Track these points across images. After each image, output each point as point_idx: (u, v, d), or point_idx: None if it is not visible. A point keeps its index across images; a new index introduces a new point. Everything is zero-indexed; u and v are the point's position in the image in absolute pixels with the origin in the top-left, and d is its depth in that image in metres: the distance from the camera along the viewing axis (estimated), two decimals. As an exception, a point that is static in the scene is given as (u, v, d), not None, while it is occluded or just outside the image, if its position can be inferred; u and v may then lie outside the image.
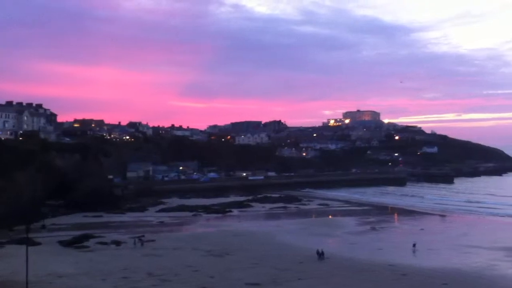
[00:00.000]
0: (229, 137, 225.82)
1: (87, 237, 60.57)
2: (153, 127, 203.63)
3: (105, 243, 58.20)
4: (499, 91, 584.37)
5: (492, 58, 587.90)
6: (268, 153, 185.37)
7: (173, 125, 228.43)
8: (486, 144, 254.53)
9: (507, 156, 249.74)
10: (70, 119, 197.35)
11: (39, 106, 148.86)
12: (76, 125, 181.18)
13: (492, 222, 79.67)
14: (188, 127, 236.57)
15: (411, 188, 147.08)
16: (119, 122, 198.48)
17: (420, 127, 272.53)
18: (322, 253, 49.53)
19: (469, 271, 44.07)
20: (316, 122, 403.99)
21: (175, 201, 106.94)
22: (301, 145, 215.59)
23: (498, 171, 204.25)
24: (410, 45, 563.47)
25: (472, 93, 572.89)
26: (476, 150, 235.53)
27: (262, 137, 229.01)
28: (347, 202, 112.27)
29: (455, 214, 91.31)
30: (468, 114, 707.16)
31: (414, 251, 54.35)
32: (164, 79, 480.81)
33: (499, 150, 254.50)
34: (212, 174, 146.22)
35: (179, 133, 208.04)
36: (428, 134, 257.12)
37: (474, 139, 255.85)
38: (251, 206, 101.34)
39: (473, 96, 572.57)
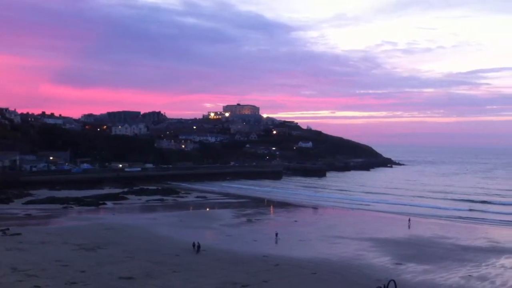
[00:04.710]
0: (105, 127, 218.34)
1: None
2: (22, 114, 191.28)
3: (-37, 237, 53.56)
4: (370, 91, 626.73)
5: (365, 60, 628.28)
6: (146, 145, 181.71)
7: (44, 113, 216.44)
8: (356, 141, 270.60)
9: (375, 152, 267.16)
10: None
11: None
12: None
13: (359, 215, 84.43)
14: (60, 115, 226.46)
15: (286, 182, 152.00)
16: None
17: (297, 123, 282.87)
18: (199, 246, 49.31)
19: (337, 261, 46.18)
20: (197, 114, 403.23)
21: (44, 193, 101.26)
22: (180, 137, 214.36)
23: (367, 166, 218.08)
24: (290, 43, 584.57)
25: (346, 92, 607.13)
26: (347, 146, 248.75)
27: (141, 128, 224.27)
28: (224, 194, 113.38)
29: (326, 207, 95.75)
30: (341, 112, 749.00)
31: (276, 241, 56.42)
32: (36, 63, 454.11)
33: (368, 146, 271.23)
34: (85, 165, 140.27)
35: (50, 121, 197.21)
36: (304, 129, 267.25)
37: (346, 136, 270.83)
38: (127, 199, 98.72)
39: (346, 95, 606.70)
